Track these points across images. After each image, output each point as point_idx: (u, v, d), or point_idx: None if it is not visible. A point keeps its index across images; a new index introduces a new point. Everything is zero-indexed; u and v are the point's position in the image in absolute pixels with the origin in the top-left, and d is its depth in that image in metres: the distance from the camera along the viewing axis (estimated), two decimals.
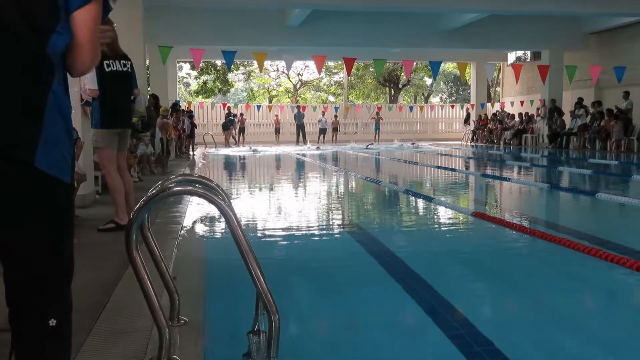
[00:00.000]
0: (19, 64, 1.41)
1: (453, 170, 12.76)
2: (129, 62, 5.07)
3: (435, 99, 45.05)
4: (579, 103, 18.99)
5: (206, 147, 21.85)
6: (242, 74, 41.06)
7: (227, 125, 24.51)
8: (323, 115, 26.88)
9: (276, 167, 15.24)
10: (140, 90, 6.28)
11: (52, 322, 1.44)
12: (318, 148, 20.77)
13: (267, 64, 34.40)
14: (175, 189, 2.40)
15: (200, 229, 5.67)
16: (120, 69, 4.97)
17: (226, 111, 25.52)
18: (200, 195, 2.25)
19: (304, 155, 17.47)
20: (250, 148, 20.32)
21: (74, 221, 1.61)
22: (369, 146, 20.96)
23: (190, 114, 19.25)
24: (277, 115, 27.13)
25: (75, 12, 1.48)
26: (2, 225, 1.42)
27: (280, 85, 43.54)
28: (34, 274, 1.45)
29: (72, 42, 1.50)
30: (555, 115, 20.26)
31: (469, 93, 31.24)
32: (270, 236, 5.51)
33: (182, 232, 4.95)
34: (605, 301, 3.63)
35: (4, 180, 1.39)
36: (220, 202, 2.16)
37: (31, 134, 1.40)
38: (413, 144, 21.81)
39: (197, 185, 2.51)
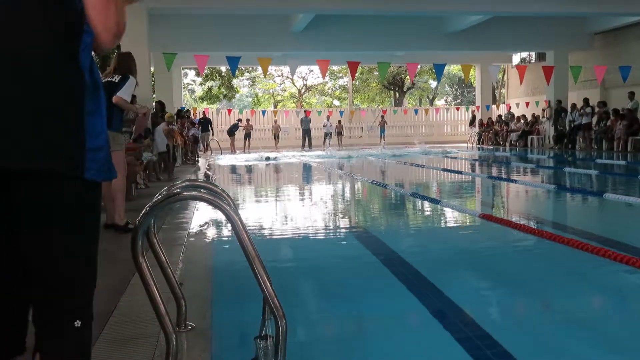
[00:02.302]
0: (60, 82, 1.44)
1: (459, 172, 12.73)
2: (120, 77, 5.37)
3: (440, 102, 45.03)
4: (586, 103, 18.88)
5: (212, 152, 21.83)
6: (247, 79, 41.19)
7: (232, 131, 24.52)
8: (328, 119, 26.87)
9: (303, 178, 15.18)
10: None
11: (77, 324, 1.47)
12: (349, 157, 18.44)
13: (271, 69, 34.46)
14: (181, 194, 2.40)
15: (207, 234, 5.67)
16: (110, 79, 5.33)
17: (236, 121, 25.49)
18: (205, 201, 2.24)
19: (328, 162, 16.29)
20: (268, 159, 17.78)
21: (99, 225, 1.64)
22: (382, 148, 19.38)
23: (192, 122, 19.27)
24: (275, 121, 27.06)
25: None
26: (44, 231, 1.46)
27: (285, 90, 43.65)
28: (65, 276, 1.47)
29: (92, 21, 1.49)
30: (562, 116, 20.16)
31: (474, 95, 31.22)
32: (276, 240, 5.50)
33: (189, 238, 4.96)
34: (614, 302, 3.60)
35: (58, 193, 1.45)
36: (226, 207, 2.16)
37: (78, 148, 1.46)
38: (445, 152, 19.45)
39: (203, 191, 2.51)
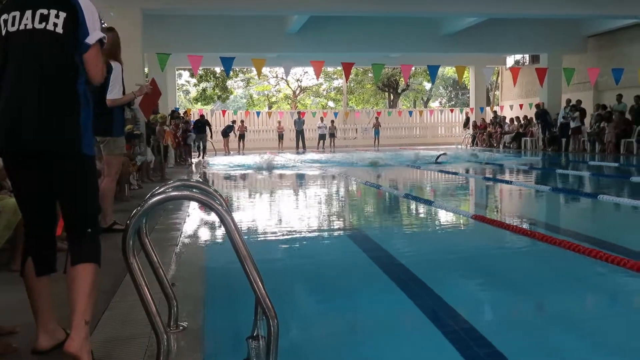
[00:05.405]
0: (74, 98, 2.39)
1: (455, 174, 12.75)
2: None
3: (434, 104, 45.10)
4: (575, 106, 18.92)
5: (204, 154, 21.67)
6: (242, 80, 41.12)
7: (226, 132, 24.46)
8: (322, 121, 26.88)
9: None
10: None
11: (89, 230, 2.38)
12: (371, 162, 15.15)
13: (266, 70, 34.44)
14: (172, 193, 2.39)
15: (200, 235, 5.65)
16: None
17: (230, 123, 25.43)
18: (197, 200, 2.24)
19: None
20: (267, 167, 14.51)
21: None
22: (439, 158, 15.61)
23: (187, 122, 19.18)
24: (279, 122, 27.21)
25: (84, 55, 2.40)
26: (71, 180, 2.40)
27: (279, 92, 43.61)
28: (80, 208, 2.41)
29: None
30: (548, 118, 20.16)
31: (468, 97, 31.29)
32: (269, 241, 5.49)
33: (181, 238, 4.94)
34: (606, 303, 3.61)
35: (71, 164, 2.39)
36: (218, 206, 2.15)
37: (78, 137, 2.38)
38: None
39: (195, 191, 2.50)
